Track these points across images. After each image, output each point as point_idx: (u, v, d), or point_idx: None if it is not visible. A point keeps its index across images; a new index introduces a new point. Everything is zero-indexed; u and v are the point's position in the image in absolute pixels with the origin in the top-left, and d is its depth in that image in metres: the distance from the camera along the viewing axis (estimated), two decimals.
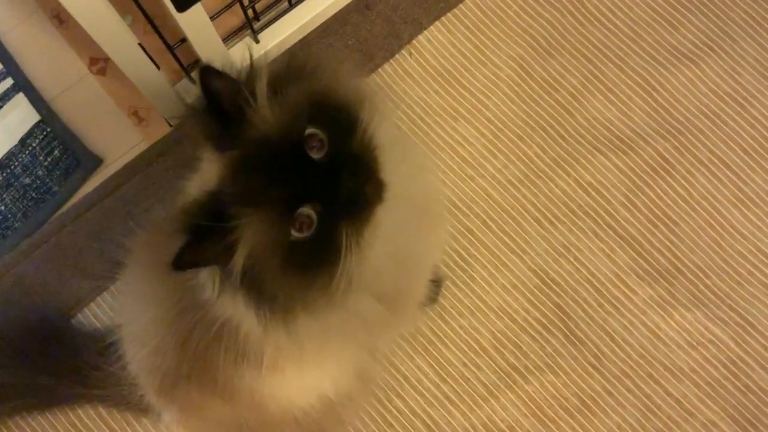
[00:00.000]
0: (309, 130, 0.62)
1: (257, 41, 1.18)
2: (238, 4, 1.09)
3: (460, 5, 1.24)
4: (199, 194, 0.63)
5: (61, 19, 1.25)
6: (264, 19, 1.20)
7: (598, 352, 1.10)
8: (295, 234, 0.61)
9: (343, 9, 1.23)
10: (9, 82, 1.22)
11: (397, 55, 1.22)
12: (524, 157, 1.18)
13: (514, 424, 1.08)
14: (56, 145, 1.20)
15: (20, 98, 1.21)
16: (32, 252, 1.14)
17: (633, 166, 1.17)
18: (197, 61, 1.15)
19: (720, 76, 1.20)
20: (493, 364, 1.10)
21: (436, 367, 1.10)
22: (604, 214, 1.15)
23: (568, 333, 1.11)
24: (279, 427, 0.87)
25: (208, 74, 0.60)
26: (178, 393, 0.81)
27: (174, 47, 1.10)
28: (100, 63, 1.24)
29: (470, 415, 1.08)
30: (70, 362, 1.00)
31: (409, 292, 0.82)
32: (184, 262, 0.58)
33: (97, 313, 1.13)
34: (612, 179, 1.16)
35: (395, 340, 1.10)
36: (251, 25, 1.15)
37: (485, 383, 1.09)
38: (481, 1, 1.24)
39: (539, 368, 1.09)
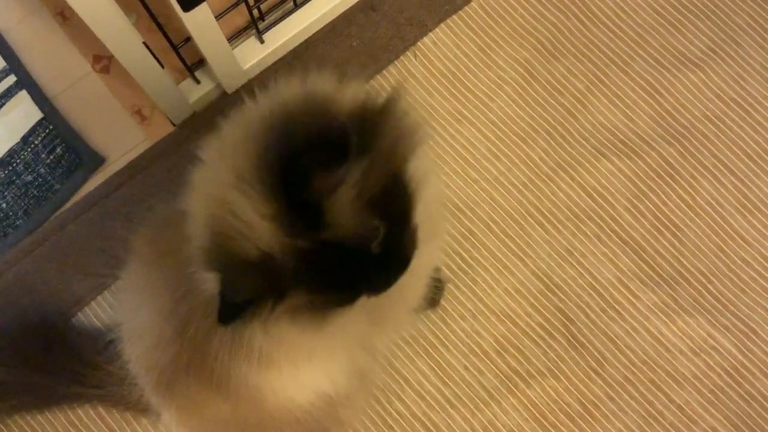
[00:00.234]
0: (376, 227, 0.61)
1: (262, 41, 1.18)
2: (243, 4, 1.09)
3: (466, 8, 1.24)
4: (244, 241, 0.59)
5: (65, 17, 1.25)
6: (269, 19, 1.20)
7: (600, 358, 1.09)
8: None
9: (349, 10, 1.23)
10: (12, 79, 1.22)
11: (401, 57, 1.22)
12: (528, 161, 1.17)
13: (515, 429, 1.07)
14: (58, 143, 1.19)
15: (23, 95, 1.21)
16: (33, 250, 1.14)
17: (637, 170, 1.16)
18: (201, 60, 1.15)
19: (725, 81, 1.20)
20: (494, 368, 1.09)
21: (438, 371, 1.10)
22: (607, 219, 1.15)
23: (570, 338, 1.10)
24: (279, 427, 0.86)
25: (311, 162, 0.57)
26: (176, 390, 0.81)
27: (178, 47, 1.10)
28: (103, 61, 1.24)
29: (471, 419, 1.08)
30: (70, 361, 1.00)
31: (402, 300, 0.82)
32: (230, 316, 0.59)
33: (98, 312, 1.12)
34: (616, 184, 1.16)
35: (396, 342, 1.09)
36: (256, 25, 1.15)
37: (487, 387, 1.09)
38: (487, 4, 1.24)
39: (541, 373, 1.09)
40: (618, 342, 1.10)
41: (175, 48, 1.09)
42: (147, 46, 1.01)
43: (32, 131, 1.20)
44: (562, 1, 1.24)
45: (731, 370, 1.09)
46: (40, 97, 1.21)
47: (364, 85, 1.01)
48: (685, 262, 1.13)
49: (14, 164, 1.19)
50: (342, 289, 0.63)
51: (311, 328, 0.67)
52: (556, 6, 1.24)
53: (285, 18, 1.19)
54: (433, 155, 1.15)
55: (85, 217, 1.15)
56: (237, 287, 0.58)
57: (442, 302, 1.11)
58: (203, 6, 0.94)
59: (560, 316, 1.11)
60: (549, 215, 1.15)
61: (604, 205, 1.15)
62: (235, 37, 1.19)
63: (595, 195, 1.16)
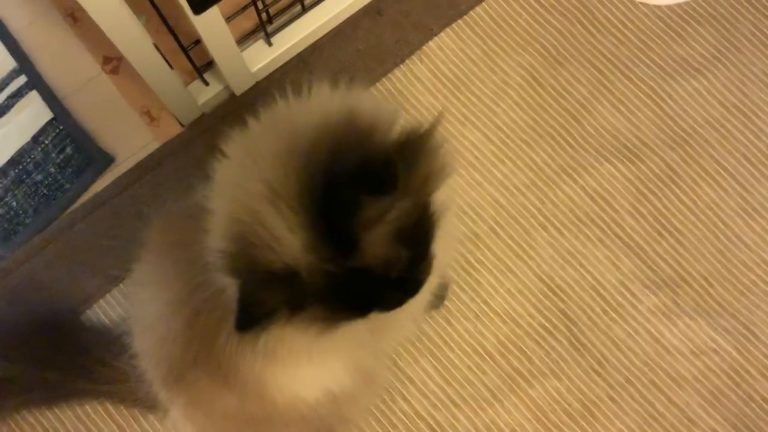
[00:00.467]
0: (403, 256, 0.63)
1: (270, 44, 1.19)
2: (252, 8, 1.11)
3: (471, 12, 1.25)
4: (266, 251, 0.60)
5: (75, 18, 1.27)
6: (277, 23, 1.21)
7: (602, 359, 1.11)
8: None
9: (355, 14, 1.25)
10: (23, 79, 1.23)
11: (407, 61, 1.23)
12: (532, 164, 1.19)
13: (517, 428, 1.08)
14: (68, 143, 1.21)
15: (33, 96, 1.23)
16: (43, 248, 1.15)
17: (639, 175, 1.18)
18: (210, 62, 1.17)
19: (727, 88, 1.22)
20: (497, 368, 1.11)
21: (441, 370, 1.11)
22: (610, 222, 1.16)
23: (572, 339, 1.12)
24: (285, 423, 0.87)
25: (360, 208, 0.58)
26: (185, 384, 0.81)
27: (188, 48, 1.11)
28: (113, 62, 1.25)
29: (474, 419, 1.09)
30: (79, 358, 1.01)
31: (404, 312, 0.83)
32: (248, 323, 0.60)
33: (106, 310, 1.14)
34: (618, 187, 1.17)
35: (400, 342, 1.10)
36: (265, 29, 1.16)
37: (489, 387, 1.10)
38: (492, 9, 1.25)
39: (543, 373, 1.10)
40: (619, 343, 1.11)
41: (184, 50, 1.11)
42: (157, 48, 1.03)
43: (42, 131, 1.21)
44: (566, 8, 1.26)
45: (731, 372, 1.10)
46: (50, 98, 1.23)
47: (399, 109, 1.03)
48: (686, 265, 1.14)
49: (24, 163, 1.20)
50: (357, 307, 0.65)
51: (316, 334, 0.68)
52: (560, 12, 1.25)
53: (293, 21, 1.21)
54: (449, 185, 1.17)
55: (94, 216, 1.17)
56: (258, 297, 0.59)
57: (446, 303, 1.13)
58: (214, 9, 0.95)
59: (562, 317, 1.12)
60: (552, 218, 1.16)
61: (607, 208, 1.17)
62: (243, 39, 1.21)
63: (597, 198, 1.17)
